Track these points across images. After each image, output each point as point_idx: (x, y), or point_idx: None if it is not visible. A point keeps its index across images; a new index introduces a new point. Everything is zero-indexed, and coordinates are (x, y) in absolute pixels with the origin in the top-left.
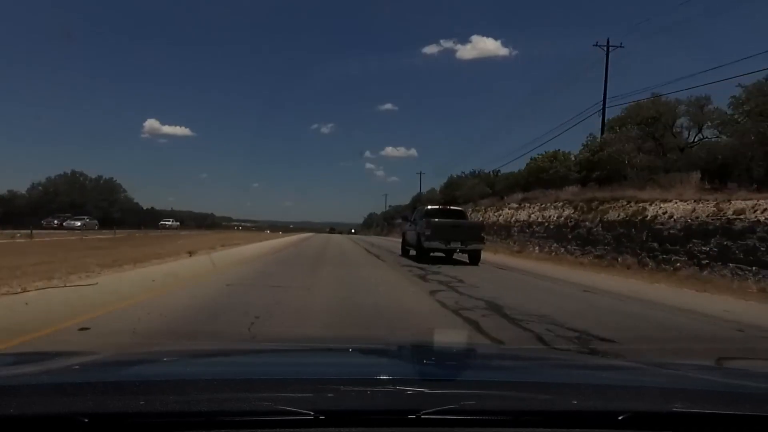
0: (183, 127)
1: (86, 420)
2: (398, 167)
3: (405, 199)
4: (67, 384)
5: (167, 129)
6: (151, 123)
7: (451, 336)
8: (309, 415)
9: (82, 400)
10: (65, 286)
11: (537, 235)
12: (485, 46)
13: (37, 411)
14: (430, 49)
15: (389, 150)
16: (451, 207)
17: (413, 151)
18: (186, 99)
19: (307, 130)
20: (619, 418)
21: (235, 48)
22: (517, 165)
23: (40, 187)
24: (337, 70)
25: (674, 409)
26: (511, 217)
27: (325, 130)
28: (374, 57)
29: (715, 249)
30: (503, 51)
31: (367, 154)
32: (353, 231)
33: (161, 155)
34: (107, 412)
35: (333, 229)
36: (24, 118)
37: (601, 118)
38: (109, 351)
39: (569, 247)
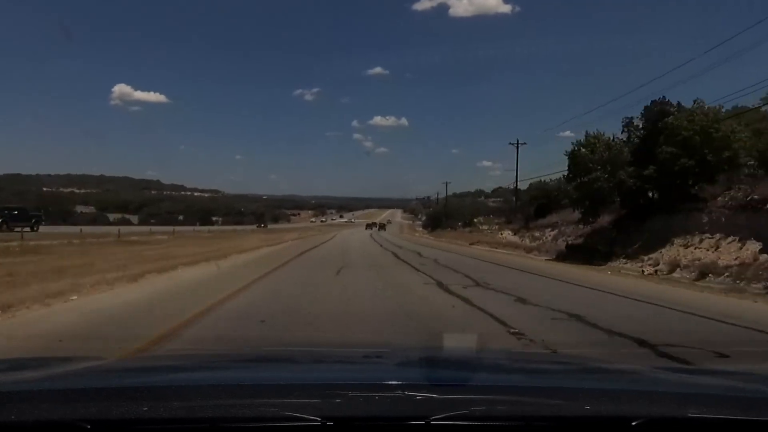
0: (157, 93)
1: (88, 426)
2: (388, 138)
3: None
4: (69, 390)
5: (140, 95)
6: (121, 88)
7: (460, 341)
8: (316, 421)
9: (85, 407)
10: None
11: None
12: (483, 1)
13: (38, 417)
14: (422, 5)
15: (378, 119)
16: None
17: (404, 121)
18: (159, 62)
19: (290, 96)
20: (633, 423)
21: (211, 6)
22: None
23: None
24: (322, 29)
25: (689, 415)
26: None
27: (309, 97)
28: (361, 14)
29: None
30: (504, 8)
31: (355, 123)
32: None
33: (133, 124)
34: (110, 419)
35: (374, 223)
36: None
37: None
38: (112, 357)
39: None
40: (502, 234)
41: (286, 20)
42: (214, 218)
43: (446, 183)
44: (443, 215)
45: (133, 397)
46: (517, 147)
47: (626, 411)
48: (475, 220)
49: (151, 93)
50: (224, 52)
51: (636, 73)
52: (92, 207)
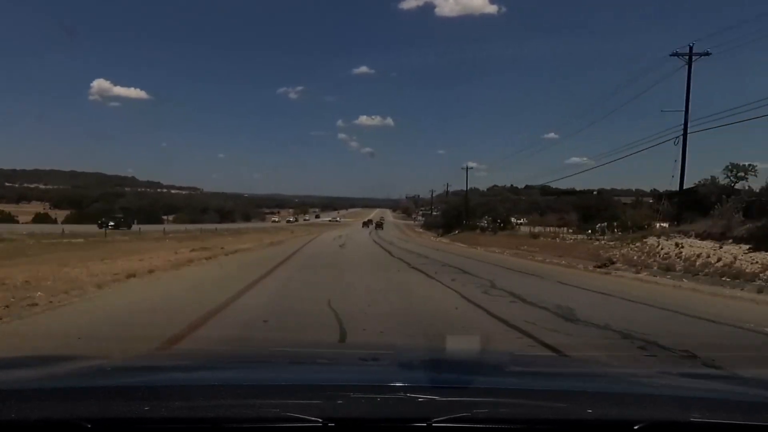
0: (138, 89)
1: (89, 426)
2: (373, 137)
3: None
4: (70, 389)
5: (120, 90)
6: (100, 83)
7: (463, 342)
8: (318, 422)
9: (86, 405)
10: None
11: None
12: (469, 2)
13: (39, 416)
14: (408, 5)
15: (363, 119)
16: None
17: (389, 121)
18: (140, 58)
19: (274, 94)
20: (636, 427)
21: (194, 2)
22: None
23: None
24: (307, 27)
25: (692, 419)
26: None
27: (293, 95)
28: (346, 13)
29: None
30: (490, 8)
31: (340, 122)
32: None
33: (112, 120)
34: (111, 418)
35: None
36: None
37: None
38: (114, 356)
39: None
40: (658, 243)
41: (270, 18)
42: (165, 216)
43: (466, 168)
44: (464, 213)
45: (135, 396)
46: (690, 59)
47: (629, 414)
48: (518, 221)
49: (132, 89)
50: (207, 48)
51: (625, 75)
52: (47, 203)
